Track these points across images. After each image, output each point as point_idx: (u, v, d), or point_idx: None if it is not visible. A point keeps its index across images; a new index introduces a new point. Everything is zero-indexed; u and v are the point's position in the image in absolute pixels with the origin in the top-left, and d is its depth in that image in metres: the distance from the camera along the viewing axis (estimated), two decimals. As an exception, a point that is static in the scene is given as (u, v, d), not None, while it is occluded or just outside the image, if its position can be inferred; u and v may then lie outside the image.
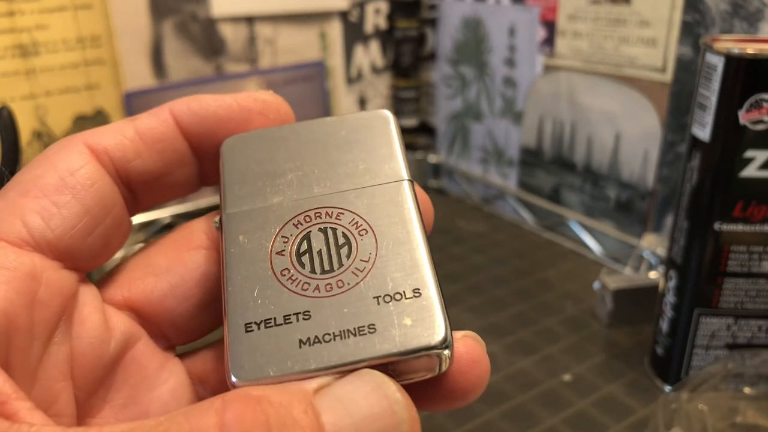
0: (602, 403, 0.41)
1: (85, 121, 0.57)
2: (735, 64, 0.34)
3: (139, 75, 0.59)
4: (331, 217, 0.16)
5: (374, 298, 0.15)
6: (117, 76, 0.58)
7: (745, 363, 0.38)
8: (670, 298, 0.40)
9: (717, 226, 0.37)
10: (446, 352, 0.14)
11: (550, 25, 0.60)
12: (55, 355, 0.15)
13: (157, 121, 0.17)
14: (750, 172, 0.35)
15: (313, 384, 0.13)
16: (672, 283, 0.40)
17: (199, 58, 0.62)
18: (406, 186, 0.17)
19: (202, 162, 0.18)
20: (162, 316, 0.17)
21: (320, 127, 0.18)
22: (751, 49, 0.34)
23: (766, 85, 0.34)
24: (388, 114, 0.18)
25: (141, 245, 0.18)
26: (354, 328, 0.14)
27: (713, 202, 0.37)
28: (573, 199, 0.62)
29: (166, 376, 0.17)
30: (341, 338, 0.14)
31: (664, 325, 0.41)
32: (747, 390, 0.37)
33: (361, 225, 0.16)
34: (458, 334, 0.16)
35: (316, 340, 0.14)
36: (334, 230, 0.16)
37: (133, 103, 0.59)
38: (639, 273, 0.53)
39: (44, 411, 0.13)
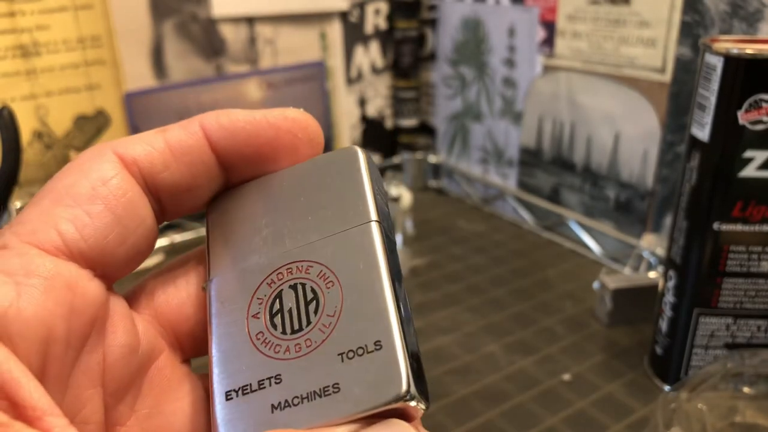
0: (602, 403, 0.41)
1: (86, 122, 0.57)
2: (734, 64, 0.34)
3: (139, 75, 0.59)
4: (301, 271, 0.16)
5: (338, 355, 0.15)
6: (117, 76, 0.58)
7: (745, 363, 0.38)
8: (669, 298, 0.41)
9: (716, 226, 0.37)
10: (412, 402, 0.14)
11: (549, 26, 0.60)
12: (86, 363, 0.15)
13: (186, 133, 0.17)
14: (749, 172, 0.35)
15: (345, 430, 0.14)
16: (671, 283, 0.40)
17: (199, 58, 0.62)
18: (373, 228, 0.16)
19: (229, 176, 0.18)
20: (180, 326, 0.18)
21: (294, 174, 0.18)
22: (750, 49, 0.34)
23: (765, 85, 0.34)
24: (357, 150, 0.18)
25: (158, 258, 0.19)
26: (320, 389, 0.14)
27: (712, 202, 0.37)
28: (572, 199, 0.62)
29: (188, 389, 0.17)
30: (308, 400, 0.14)
31: (664, 325, 0.41)
32: (746, 389, 0.37)
33: (328, 276, 0.16)
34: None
35: (287, 404, 0.15)
36: (303, 285, 0.16)
37: (134, 104, 0.59)
38: (638, 273, 0.53)
39: (72, 418, 0.13)
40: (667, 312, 0.41)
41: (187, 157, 0.17)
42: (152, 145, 0.17)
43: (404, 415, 0.14)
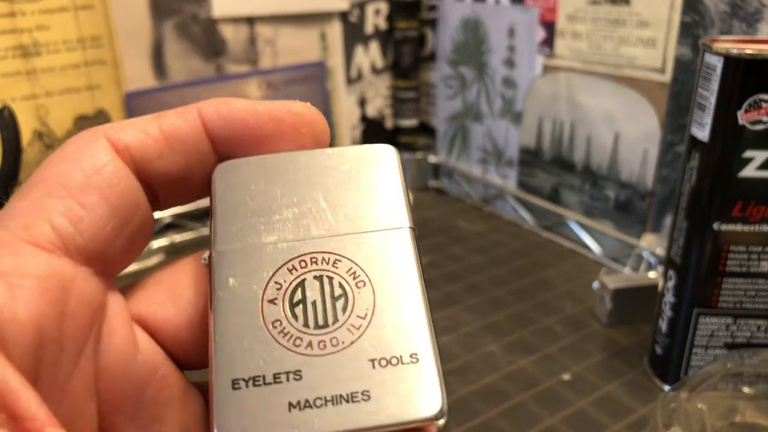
0: (601, 403, 0.41)
1: (86, 122, 0.57)
2: (734, 64, 0.34)
3: (139, 75, 0.59)
4: (327, 264, 0.15)
5: (369, 360, 0.14)
6: (118, 76, 0.58)
7: (744, 362, 0.38)
8: (669, 298, 0.41)
9: (716, 226, 0.37)
10: (441, 421, 0.13)
11: (549, 26, 0.60)
12: (83, 370, 0.14)
13: (183, 121, 0.16)
14: (749, 172, 0.35)
15: None
16: (671, 283, 0.40)
17: (199, 58, 0.62)
18: (408, 235, 0.16)
19: None
20: (179, 333, 0.16)
21: (320, 159, 0.17)
22: (749, 49, 0.34)
23: (764, 85, 0.34)
24: (393, 150, 0.17)
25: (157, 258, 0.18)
26: (347, 394, 0.13)
27: (712, 202, 0.37)
28: (572, 199, 0.63)
29: (189, 400, 0.16)
30: (333, 404, 0.13)
31: (664, 325, 0.41)
32: (746, 389, 0.37)
33: (359, 276, 0.15)
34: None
35: (307, 405, 0.13)
36: (330, 279, 0.15)
37: (134, 104, 0.59)
38: (638, 273, 0.53)
39: (68, 428, 0.12)
40: (667, 312, 0.41)
41: (182, 145, 0.16)
42: (146, 132, 0.16)
43: (422, 430, 0.14)
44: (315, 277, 0.15)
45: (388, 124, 0.79)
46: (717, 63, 0.34)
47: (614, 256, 0.58)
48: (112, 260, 0.15)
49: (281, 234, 0.16)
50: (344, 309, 0.15)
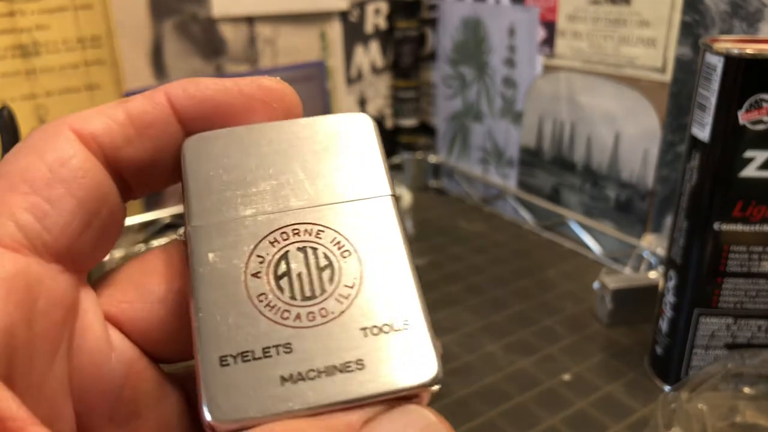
0: (602, 403, 0.41)
1: (86, 122, 0.57)
2: (734, 64, 0.34)
3: (139, 75, 0.59)
4: (310, 235, 0.15)
5: (361, 329, 0.14)
6: (117, 76, 0.58)
7: (745, 363, 0.38)
8: (669, 298, 0.40)
9: (717, 226, 0.37)
10: (436, 387, 0.13)
11: (549, 26, 0.60)
12: (58, 371, 0.14)
13: (150, 104, 0.15)
14: (749, 172, 0.35)
15: (357, 417, 0.13)
16: (672, 283, 0.40)
17: (199, 58, 0.62)
18: (390, 202, 0.15)
19: None
20: (150, 341, 0.16)
21: (294, 129, 0.16)
22: (750, 49, 0.34)
23: (765, 85, 0.34)
24: (369, 119, 0.17)
25: (141, 246, 0.17)
26: (340, 364, 0.13)
27: (713, 202, 0.37)
28: (573, 199, 0.62)
29: (168, 394, 0.16)
30: (326, 375, 0.13)
31: (664, 325, 0.41)
32: (746, 390, 0.37)
33: (344, 245, 0.15)
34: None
35: (299, 377, 0.13)
36: (314, 250, 0.15)
37: (134, 104, 0.59)
38: (639, 273, 0.53)
39: (48, 428, 0.12)
40: (668, 312, 0.41)
41: (150, 130, 0.15)
42: (112, 118, 0.15)
43: (416, 398, 0.13)
44: (299, 249, 0.15)
45: (388, 123, 0.79)
46: (717, 63, 0.34)
47: (615, 256, 0.58)
48: (82, 256, 0.14)
49: (259, 206, 0.15)
50: (331, 279, 0.14)
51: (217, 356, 0.13)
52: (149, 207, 0.61)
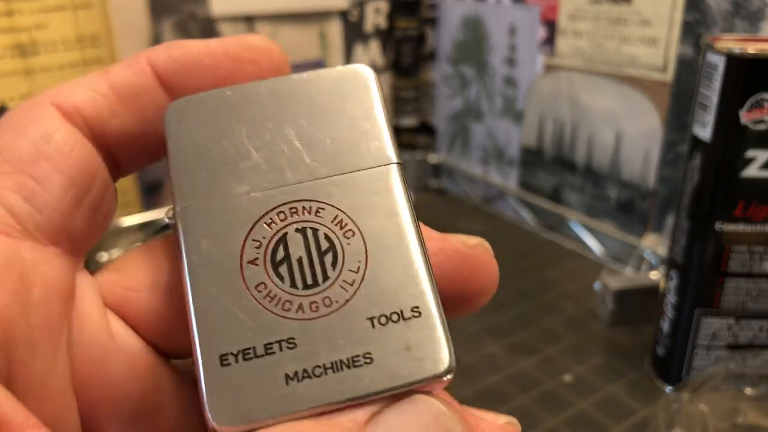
0: (603, 404, 0.40)
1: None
2: (736, 63, 0.34)
3: (138, 75, 0.59)
4: (310, 213, 0.13)
5: (368, 319, 0.13)
6: (116, 75, 0.58)
7: (747, 363, 0.37)
8: (671, 299, 0.40)
9: (718, 226, 0.37)
10: (449, 377, 0.12)
11: (550, 25, 0.60)
12: (61, 366, 0.13)
13: (133, 72, 0.14)
14: (751, 172, 0.35)
15: (362, 414, 0.12)
16: (673, 283, 0.40)
17: (198, 57, 0.62)
18: (395, 171, 0.14)
19: None
20: (160, 334, 0.15)
21: (286, 88, 0.15)
22: (752, 48, 0.33)
23: (767, 84, 0.34)
24: (369, 71, 0.15)
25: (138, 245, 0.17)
26: (347, 359, 0.12)
27: (714, 202, 0.36)
28: (574, 199, 0.62)
29: (179, 389, 0.15)
30: (334, 371, 0.12)
31: (665, 326, 0.41)
32: (748, 390, 0.37)
33: (346, 224, 0.13)
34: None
35: (305, 375, 0.12)
36: (314, 231, 0.13)
37: (133, 103, 0.59)
38: (640, 273, 0.53)
39: (52, 429, 0.11)
40: (669, 312, 0.41)
41: (136, 99, 0.14)
42: (95, 90, 0.14)
43: (427, 390, 0.13)
44: (297, 230, 0.13)
45: (389, 123, 0.79)
46: (719, 62, 0.34)
47: (616, 256, 0.58)
48: (77, 236, 0.13)
49: (253, 182, 0.14)
50: (334, 264, 0.13)
51: (217, 355, 0.12)
52: (149, 207, 0.61)
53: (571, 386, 0.42)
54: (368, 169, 0.14)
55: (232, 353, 0.12)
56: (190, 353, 0.15)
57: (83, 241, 0.14)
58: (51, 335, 0.12)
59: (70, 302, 0.13)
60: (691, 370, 0.40)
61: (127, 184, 0.60)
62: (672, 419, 0.35)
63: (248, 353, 0.12)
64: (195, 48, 0.15)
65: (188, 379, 0.15)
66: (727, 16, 0.46)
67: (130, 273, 0.15)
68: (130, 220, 0.59)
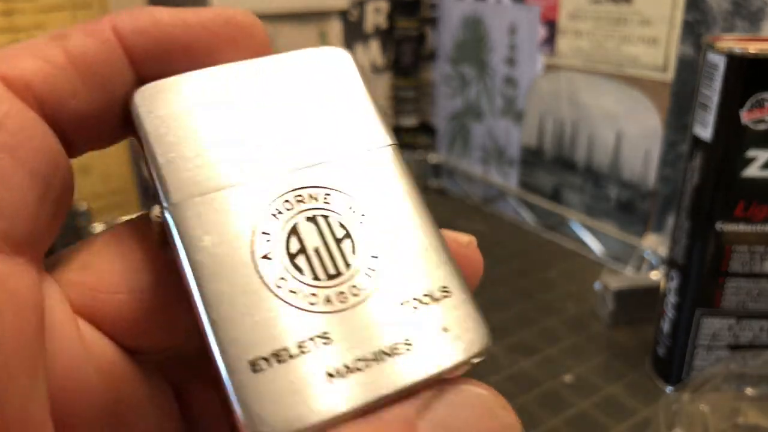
0: (603, 404, 0.40)
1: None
2: (737, 63, 0.34)
3: (138, 75, 0.59)
4: (317, 200, 0.13)
5: (400, 304, 0.12)
6: (116, 75, 0.58)
7: (747, 364, 0.37)
8: (671, 299, 0.40)
9: (718, 226, 0.37)
10: (488, 347, 0.12)
11: (550, 25, 0.60)
12: (39, 395, 0.11)
13: (95, 43, 0.12)
14: (752, 171, 0.35)
15: (411, 408, 0.11)
16: (673, 284, 0.40)
17: (198, 57, 0.62)
18: (394, 153, 0.14)
19: None
20: (134, 336, 0.13)
21: (266, 70, 0.14)
22: (752, 48, 0.33)
23: (767, 84, 0.33)
24: (346, 53, 0.14)
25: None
26: (388, 347, 0.11)
27: (715, 202, 0.36)
28: (574, 199, 0.62)
29: (156, 394, 0.13)
30: (377, 362, 0.11)
31: (666, 326, 0.41)
32: (749, 391, 0.37)
33: (357, 209, 0.13)
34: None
35: (348, 370, 0.11)
36: (326, 218, 0.12)
37: (133, 103, 0.59)
38: (640, 273, 0.53)
39: None
40: (669, 312, 0.41)
41: (98, 76, 0.12)
42: (49, 61, 0.12)
43: (465, 367, 0.12)
44: (308, 219, 0.12)
45: (388, 123, 0.79)
46: (719, 62, 0.34)
47: (616, 256, 0.58)
48: (40, 236, 0.11)
49: (248, 172, 0.13)
50: (353, 251, 0.12)
51: (245, 361, 0.11)
52: (148, 207, 0.61)
53: (572, 386, 0.42)
54: (366, 151, 0.13)
55: (263, 357, 0.11)
56: (165, 350, 0.14)
57: (45, 241, 0.12)
58: (28, 362, 0.11)
59: (42, 319, 0.11)
60: (691, 371, 0.40)
61: (126, 184, 0.60)
62: (672, 419, 0.35)
63: (281, 355, 0.11)
64: (167, 17, 0.13)
65: (162, 377, 0.14)
66: (727, 16, 0.46)
67: (98, 271, 0.13)
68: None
